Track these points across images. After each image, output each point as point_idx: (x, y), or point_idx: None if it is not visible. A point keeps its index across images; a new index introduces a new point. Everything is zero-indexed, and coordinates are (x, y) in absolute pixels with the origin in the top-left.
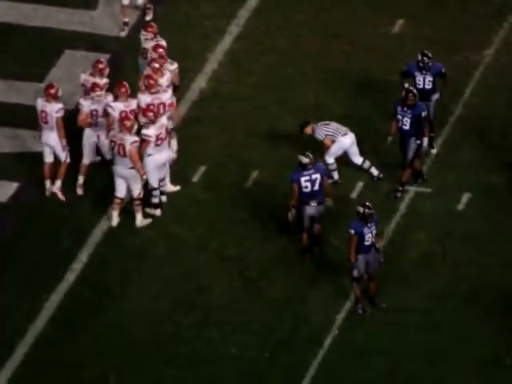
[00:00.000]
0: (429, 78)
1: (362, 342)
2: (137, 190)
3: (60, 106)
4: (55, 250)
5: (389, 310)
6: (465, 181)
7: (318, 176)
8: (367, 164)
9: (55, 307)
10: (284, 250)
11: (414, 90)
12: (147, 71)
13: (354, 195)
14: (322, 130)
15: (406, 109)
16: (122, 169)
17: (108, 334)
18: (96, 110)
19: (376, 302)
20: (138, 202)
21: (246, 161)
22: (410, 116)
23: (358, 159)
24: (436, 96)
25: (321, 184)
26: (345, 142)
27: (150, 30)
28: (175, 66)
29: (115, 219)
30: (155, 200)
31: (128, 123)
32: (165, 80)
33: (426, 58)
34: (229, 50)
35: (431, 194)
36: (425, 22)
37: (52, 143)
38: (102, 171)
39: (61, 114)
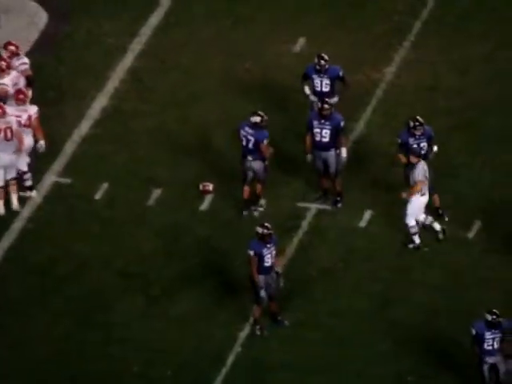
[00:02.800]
0: (326, 81)
1: (265, 358)
2: (12, 174)
3: None
4: None
5: (292, 326)
6: (367, 198)
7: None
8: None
9: None
10: (187, 269)
11: (330, 100)
12: None
13: (256, 214)
14: (425, 172)
15: (323, 121)
16: (5, 155)
17: (11, 353)
18: None
19: (279, 319)
20: (13, 182)
21: (149, 178)
22: (329, 127)
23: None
24: (335, 99)
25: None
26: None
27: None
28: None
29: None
30: (28, 183)
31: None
32: (9, 80)
33: (322, 61)
34: (131, 67)
35: (333, 212)
36: (326, 40)
37: None
38: None
39: None
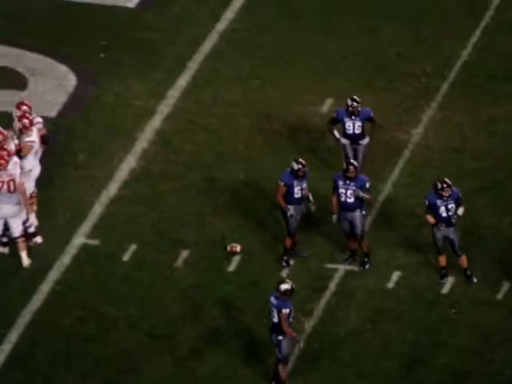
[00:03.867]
0: (358, 123)
1: None
2: (19, 228)
3: None
4: None
5: None
6: (395, 259)
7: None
8: None
9: None
10: (215, 329)
11: (355, 163)
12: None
13: (283, 274)
14: None
15: (348, 182)
16: (9, 207)
17: None
18: None
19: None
20: (22, 240)
21: (177, 240)
22: (353, 189)
23: None
24: (366, 140)
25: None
26: None
27: (22, 108)
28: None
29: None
30: (31, 229)
31: (2, 161)
32: (35, 136)
33: (355, 103)
34: (159, 129)
35: (361, 272)
36: None
37: None
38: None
39: None
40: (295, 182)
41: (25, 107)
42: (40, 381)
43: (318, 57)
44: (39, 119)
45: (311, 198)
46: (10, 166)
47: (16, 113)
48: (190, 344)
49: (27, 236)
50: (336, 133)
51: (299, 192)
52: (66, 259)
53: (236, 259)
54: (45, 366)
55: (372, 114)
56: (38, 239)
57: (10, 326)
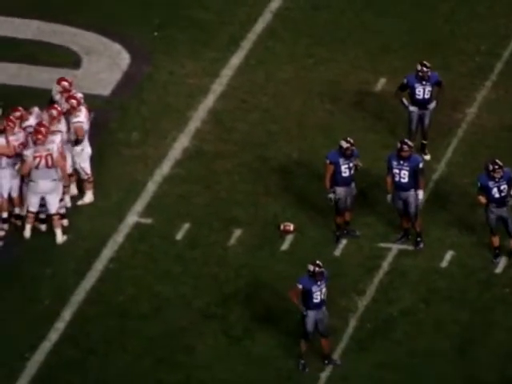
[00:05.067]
0: (428, 88)
1: None
2: (55, 204)
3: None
4: (37, 309)
5: (373, 366)
6: (448, 238)
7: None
8: None
9: (38, 366)
10: (268, 308)
11: (409, 142)
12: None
13: (337, 253)
14: None
15: (402, 162)
16: (46, 183)
17: None
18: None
19: (331, 359)
20: (57, 217)
21: (230, 219)
22: (407, 168)
23: None
24: (433, 104)
25: None
26: None
27: (62, 83)
28: (78, 119)
29: (29, 232)
30: (61, 211)
31: (40, 135)
32: (84, 116)
33: (425, 68)
34: (212, 108)
35: (414, 252)
36: None
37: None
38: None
39: None
40: (341, 161)
41: (65, 83)
42: (93, 359)
43: (371, 35)
44: (80, 94)
45: (360, 163)
46: (47, 142)
47: (56, 88)
48: (244, 323)
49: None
50: (404, 100)
51: (347, 171)
52: (119, 238)
53: (289, 238)
54: (98, 344)
55: (440, 78)
56: (65, 222)
57: (63, 304)
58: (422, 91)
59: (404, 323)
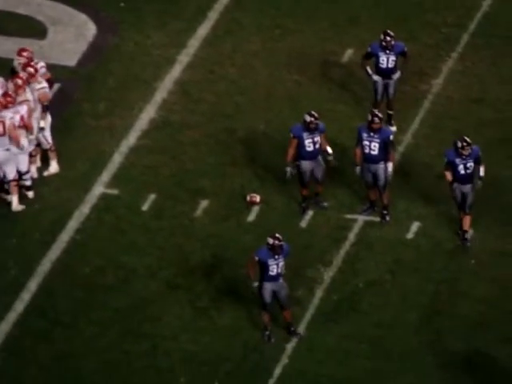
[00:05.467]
0: (392, 58)
1: (311, 370)
2: (12, 173)
3: None
4: (3, 279)
5: (339, 337)
6: (414, 210)
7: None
8: None
9: (4, 337)
10: (234, 279)
11: (380, 114)
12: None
13: (303, 224)
14: None
15: (372, 134)
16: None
17: (57, 364)
18: None
19: (292, 330)
20: (13, 184)
21: (197, 189)
22: (378, 141)
23: None
24: (397, 75)
25: None
26: None
27: (23, 54)
28: (42, 85)
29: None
30: (28, 182)
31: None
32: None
33: (388, 37)
34: (179, 79)
35: (380, 223)
36: None
37: None
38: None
39: None
40: (305, 135)
41: (26, 53)
42: (59, 330)
43: (339, 7)
44: (42, 63)
45: (330, 150)
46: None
47: (18, 60)
48: (209, 294)
49: (23, 187)
50: (368, 69)
51: (311, 145)
52: (85, 209)
53: (255, 209)
54: (64, 316)
55: (405, 49)
56: (30, 194)
57: (29, 275)
58: (386, 60)
59: (370, 294)
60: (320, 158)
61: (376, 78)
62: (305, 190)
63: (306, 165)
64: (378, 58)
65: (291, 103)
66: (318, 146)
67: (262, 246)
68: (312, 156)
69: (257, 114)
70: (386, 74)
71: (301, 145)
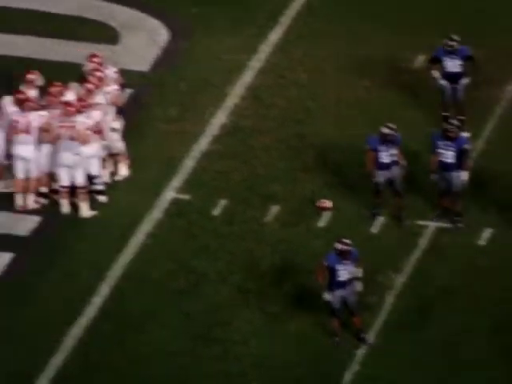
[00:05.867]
0: (457, 62)
1: (382, 377)
2: (81, 178)
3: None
4: (75, 284)
5: (411, 344)
6: (487, 216)
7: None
8: None
9: (75, 341)
10: (305, 285)
11: (456, 122)
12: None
13: (374, 230)
14: None
15: (448, 142)
16: (68, 155)
17: (128, 368)
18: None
19: (362, 337)
20: (82, 191)
21: (267, 195)
22: (453, 149)
23: None
24: (465, 80)
25: None
26: None
27: (94, 60)
28: (114, 87)
29: (66, 207)
30: (99, 187)
31: (70, 108)
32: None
33: (452, 42)
34: (250, 84)
35: (453, 230)
36: None
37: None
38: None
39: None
40: (382, 147)
41: (96, 58)
42: (130, 334)
43: (411, 12)
44: (114, 68)
45: (405, 163)
46: (80, 116)
47: (88, 66)
48: (280, 299)
49: (95, 191)
50: (434, 73)
51: (387, 157)
52: (156, 213)
53: (326, 215)
54: (135, 320)
55: (471, 53)
56: (103, 198)
57: (100, 279)
58: (451, 64)
59: (442, 301)
60: (397, 167)
61: (443, 82)
62: (379, 198)
63: (381, 175)
64: (443, 62)
65: (362, 109)
66: (394, 158)
67: (331, 251)
68: (387, 168)
69: (327, 119)
70: (452, 78)
71: (377, 156)
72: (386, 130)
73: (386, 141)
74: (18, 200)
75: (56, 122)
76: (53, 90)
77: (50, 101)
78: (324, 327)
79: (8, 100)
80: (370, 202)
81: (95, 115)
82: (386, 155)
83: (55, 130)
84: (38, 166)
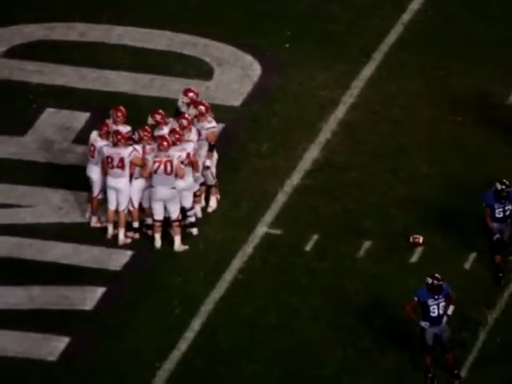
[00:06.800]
0: (508, 207)
1: None
2: (175, 213)
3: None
4: (168, 318)
5: (504, 380)
6: None
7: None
8: None
9: (168, 375)
10: (397, 321)
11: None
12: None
13: (467, 266)
14: None
15: (502, 201)
16: (164, 189)
17: None
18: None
19: (455, 373)
20: (176, 224)
21: (359, 230)
22: (509, 208)
23: None
24: None
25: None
26: None
27: (189, 94)
28: (212, 124)
29: (159, 241)
30: (192, 219)
31: (165, 142)
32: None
33: (504, 187)
34: (342, 119)
35: None
36: None
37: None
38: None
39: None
40: (497, 204)
41: (192, 94)
42: (222, 369)
43: (504, 48)
44: (207, 104)
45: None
46: (175, 149)
47: (183, 99)
48: (372, 335)
49: (187, 225)
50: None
51: (501, 213)
52: (248, 248)
53: (418, 251)
54: (227, 355)
55: None
56: (195, 231)
57: (193, 313)
58: (503, 211)
59: None
60: (508, 222)
61: None
62: (498, 257)
63: (497, 226)
64: (492, 208)
65: (454, 145)
66: (508, 212)
67: (422, 286)
68: (503, 221)
69: (420, 154)
70: (503, 221)
71: (492, 212)
72: (499, 186)
73: (501, 197)
74: (110, 230)
75: (150, 156)
76: (155, 118)
77: (144, 135)
78: (416, 363)
79: (95, 135)
80: (461, 237)
81: (189, 148)
82: (499, 211)
83: (150, 165)
84: (128, 199)
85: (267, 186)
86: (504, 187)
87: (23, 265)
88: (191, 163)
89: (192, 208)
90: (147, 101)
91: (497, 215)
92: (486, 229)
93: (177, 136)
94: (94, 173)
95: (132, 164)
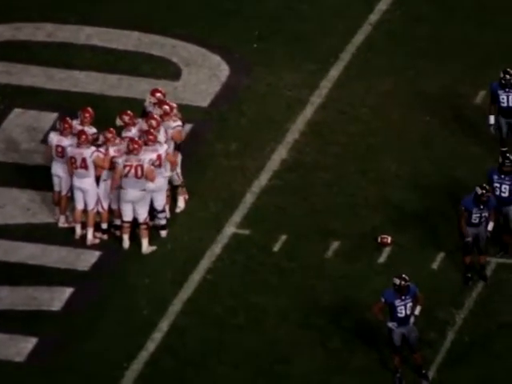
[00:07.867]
0: (485, 214)
1: None
2: (143, 214)
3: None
4: (136, 319)
5: (471, 380)
6: None
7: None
8: None
9: (136, 376)
10: (366, 320)
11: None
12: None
13: (435, 266)
14: None
15: (503, 176)
16: (134, 191)
17: None
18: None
19: (423, 373)
20: (144, 227)
21: (328, 230)
22: (508, 183)
23: None
24: None
25: None
26: None
27: (156, 94)
28: (178, 123)
29: (127, 242)
30: (162, 222)
31: (136, 145)
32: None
33: (507, 76)
34: (311, 120)
35: None
36: None
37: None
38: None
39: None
40: (475, 209)
41: (159, 94)
42: (190, 370)
43: (472, 48)
44: (173, 104)
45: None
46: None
47: (150, 99)
48: (341, 335)
49: (156, 227)
50: (491, 119)
51: (477, 218)
52: (216, 248)
53: (386, 251)
54: (195, 355)
55: None
56: (163, 233)
57: (161, 314)
58: (506, 99)
59: (503, 337)
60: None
61: (492, 120)
62: (468, 258)
63: (471, 231)
64: (498, 97)
65: (423, 144)
66: (483, 219)
67: (389, 287)
68: (476, 226)
69: (389, 155)
70: (507, 113)
71: (468, 216)
72: (479, 191)
73: (480, 202)
74: (77, 231)
75: (121, 160)
76: (123, 119)
77: (109, 137)
78: (385, 363)
79: (57, 135)
80: (429, 237)
81: (161, 149)
82: (476, 217)
83: (120, 169)
84: (96, 198)
85: (235, 186)
86: (484, 192)
87: None
88: (170, 163)
89: (163, 210)
90: (115, 101)
91: (473, 220)
92: (460, 231)
93: (150, 137)
94: (62, 171)
95: (95, 165)
